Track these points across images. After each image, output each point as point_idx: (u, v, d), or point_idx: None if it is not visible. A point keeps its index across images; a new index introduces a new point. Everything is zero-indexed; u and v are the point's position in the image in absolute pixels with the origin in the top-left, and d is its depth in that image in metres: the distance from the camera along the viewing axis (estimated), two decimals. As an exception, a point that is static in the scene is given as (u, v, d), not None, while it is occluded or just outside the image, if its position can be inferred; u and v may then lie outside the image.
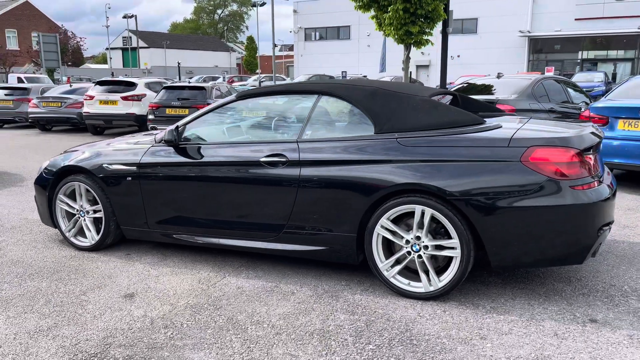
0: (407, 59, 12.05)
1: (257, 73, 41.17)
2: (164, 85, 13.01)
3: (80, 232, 4.47)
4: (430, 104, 3.49)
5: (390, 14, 10.99)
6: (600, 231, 3.11)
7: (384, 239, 3.38)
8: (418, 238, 3.28)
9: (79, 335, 2.94)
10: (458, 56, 35.69)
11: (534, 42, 34.80)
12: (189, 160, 3.90)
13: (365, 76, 32.88)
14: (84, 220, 4.40)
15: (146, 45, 58.71)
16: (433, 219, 3.22)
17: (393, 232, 3.34)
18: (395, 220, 3.35)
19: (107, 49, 59.82)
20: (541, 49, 35.24)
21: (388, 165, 3.31)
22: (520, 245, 3.12)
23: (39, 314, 3.22)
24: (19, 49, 50.49)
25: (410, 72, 26.09)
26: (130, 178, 4.11)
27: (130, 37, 57.94)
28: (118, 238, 4.42)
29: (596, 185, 3.16)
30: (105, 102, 13.54)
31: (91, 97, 13.67)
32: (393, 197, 3.30)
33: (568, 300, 3.26)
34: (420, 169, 3.22)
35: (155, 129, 9.95)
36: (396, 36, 11.42)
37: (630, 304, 3.18)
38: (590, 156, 3.27)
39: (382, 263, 3.39)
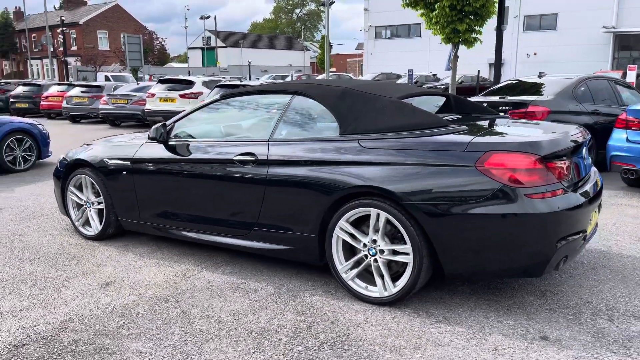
0: (454, 58, 11.66)
1: (332, 71, 41.46)
2: (217, 83, 13.46)
3: (87, 222, 4.78)
4: (395, 106, 3.41)
5: (436, 11, 10.69)
6: (561, 243, 2.90)
7: (345, 241, 3.35)
8: (375, 242, 3.22)
9: (42, 318, 3.16)
10: (535, 54, 34.01)
11: (619, 38, 32.42)
12: (174, 157, 4.05)
13: (435, 74, 32.16)
14: (90, 210, 4.70)
15: (224, 45, 60.83)
16: (390, 222, 3.15)
17: (352, 235, 3.31)
18: (356, 223, 3.32)
19: (188, 48, 62.61)
20: (628, 45, 32.79)
21: (348, 167, 3.27)
22: (473, 254, 2.99)
23: (20, 296, 3.49)
24: (109, 49, 54.09)
25: (479, 71, 25.23)
26: (125, 172, 4.34)
27: (210, 37, 60.31)
28: (120, 229, 4.67)
29: (561, 193, 2.95)
30: (165, 100, 14.25)
31: (152, 95, 14.44)
32: (351, 200, 3.26)
33: (529, 315, 3.07)
34: (377, 172, 3.16)
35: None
36: (443, 35, 11.10)
37: (596, 324, 2.95)
38: (563, 162, 3.06)
39: (341, 265, 3.36)
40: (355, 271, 3.32)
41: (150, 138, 4.15)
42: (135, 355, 2.72)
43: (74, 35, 55.64)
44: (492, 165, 2.91)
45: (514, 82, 8.54)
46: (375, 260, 3.24)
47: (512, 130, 3.46)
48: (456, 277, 3.14)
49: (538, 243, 2.88)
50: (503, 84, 8.62)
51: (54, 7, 66.75)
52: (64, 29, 32.15)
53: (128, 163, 4.32)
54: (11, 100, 21.09)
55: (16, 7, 62.24)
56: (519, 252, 2.92)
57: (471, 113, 4.25)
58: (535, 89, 7.68)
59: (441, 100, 4.38)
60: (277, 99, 3.86)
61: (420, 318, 3.06)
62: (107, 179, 4.46)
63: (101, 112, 15.99)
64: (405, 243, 3.10)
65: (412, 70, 27.04)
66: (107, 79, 35.99)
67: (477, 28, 11.10)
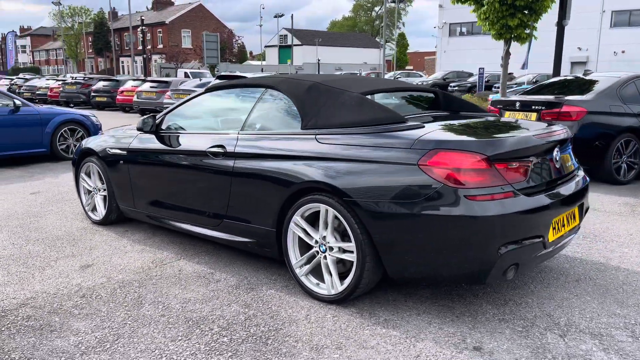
0: (506, 55, 11.08)
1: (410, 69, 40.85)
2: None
3: (95, 207, 5.06)
4: (355, 101, 3.32)
5: (485, 7, 10.20)
6: (505, 249, 2.71)
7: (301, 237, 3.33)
8: (325, 238, 3.17)
9: (13, 294, 3.39)
10: (622, 52, 31.67)
11: None
12: (160, 147, 4.19)
13: (510, 73, 30.83)
14: (97, 197, 4.98)
15: (299, 43, 61.71)
16: (339, 220, 3.09)
17: (305, 231, 3.27)
18: (312, 219, 3.28)
19: (265, 46, 64.10)
20: None
21: (303, 161, 3.24)
22: (414, 257, 2.86)
23: (6, 272, 3.77)
24: (191, 47, 56.56)
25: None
26: (122, 162, 4.55)
27: (286, 36, 61.41)
28: (123, 216, 4.90)
29: (510, 196, 2.75)
30: (221, 95, 14.71)
31: (210, 91, 14.95)
32: (305, 195, 3.23)
33: (476, 324, 2.89)
34: (327, 167, 3.11)
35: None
36: (493, 31, 10.58)
37: (543, 339, 2.73)
38: (518, 163, 2.86)
39: (296, 260, 3.34)
40: (307, 267, 3.29)
41: (137, 129, 4.32)
42: (73, 334, 2.85)
43: (161, 34, 58.73)
44: (434, 164, 2.77)
45: (559, 80, 8.02)
46: (325, 257, 3.18)
47: (474, 129, 3.27)
48: (400, 280, 3.02)
49: (478, 248, 2.71)
50: (547, 82, 8.12)
51: (147, 8, 70.73)
52: (143, 28, 34.06)
53: (125, 153, 4.52)
54: (92, 94, 22.72)
55: (112, 8, 66.57)
56: (460, 257, 2.76)
57: (460, 110, 4.06)
58: (577, 87, 7.17)
59: (429, 96, 4.22)
60: (252, 93, 3.89)
61: (361, 319, 2.98)
62: (109, 167, 4.70)
63: (164, 106, 16.79)
64: (351, 241, 3.03)
65: (483, 69, 26.12)
66: (186, 75, 37.67)
67: (530, 23, 10.46)
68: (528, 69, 24.60)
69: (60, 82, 24.44)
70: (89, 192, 5.09)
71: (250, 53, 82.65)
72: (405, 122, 3.14)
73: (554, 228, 3.01)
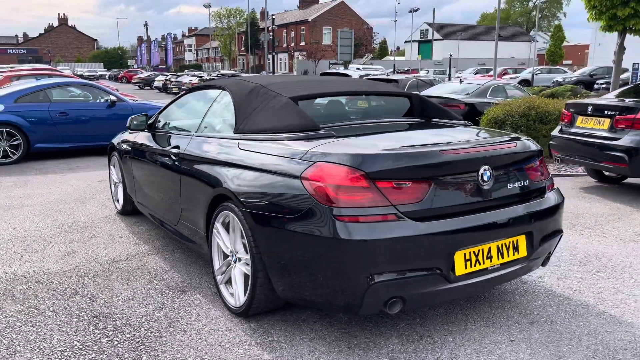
0: (619, 49, 9.51)
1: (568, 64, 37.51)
2: (361, 77, 13.50)
3: (118, 198, 5.45)
4: (279, 106, 3.13)
5: (592, -6, 8.84)
6: (379, 278, 2.35)
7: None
8: (236, 247, 3.06)
9: (-11, 272, 3.81)
10: None
11: None
12: (148, 145, 4.36)
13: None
14: (119, 187, 5.36)
15: (440, 38, 59.83)
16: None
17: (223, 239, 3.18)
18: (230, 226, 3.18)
19: (405, 41, 63.28)
20: None
21: (225, 168, 3.14)
22: (295, 277, 2.62)
23: (5, 253, 4.23)
24: (331, 44, 57.94)
25: None
26: (128, 156, 4.83)
27: (427, 30, 59.95)
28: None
29: (392, 219, 2.39)
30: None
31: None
32: (222, 202, 3.14)
33: (378, 339, 2.57)
34: (237, 176, 2.98)
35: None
36: (603, 22, 9.14)
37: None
38: (419, 182, 2.47)
39: (218, 266, 3.27)
40: (223, 276, 3.20)
41: (126, 127, 4.54)
42: (-5, 315, 3.12)
43: (304, 32, 61.07)
44: (312, 178, 2.51)
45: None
46: (235, 268, 3.07)
47: (387, 140, 2.85)
48: (288, 299, 2.78)
49: (346, 275, 2.40)
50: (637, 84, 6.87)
51: (297, 6, 73.89)
52: (273, 26, 35.59)
53: (129, 148, 4.80)
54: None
55: (262, 9, 70.74)
56: (333, 283, 2.47)
57: (434, 116, 3.62)
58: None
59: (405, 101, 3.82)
60: (212, 95, 3.87)
61: (247, 336, 2.82)
62: (121, 160, 5.03)
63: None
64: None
65: (638, 64, 22.93)
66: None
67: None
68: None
69: (198, 79, 26.63)
70: (115, 183, 5.50)
71: (398, 48, 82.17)
72: (317, 130, 2.89)
73: (467, 260, 2.55)
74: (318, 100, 3.76)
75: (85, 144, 9.16)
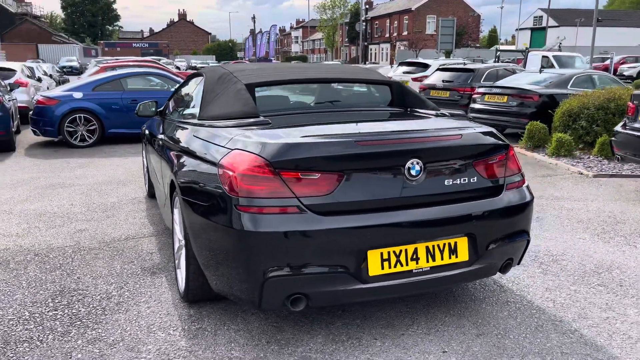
0: None
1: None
2: (440, 67, 12.92)
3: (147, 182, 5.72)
4: (232, 93, 3.07)
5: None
6: (276, 272, 2.23)
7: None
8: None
9: (3, 240, 4.16)
10: None
11: None
12: (151, 131, 4.53)
13: None
14: (145, 172, 5.63)
15: (556, 25, 55.53)
16: (187, 216, 2.96)
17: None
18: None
19: (516, 29, 59.75)
20: None
21: (177, 154, 3.18)
22: (213, 268, 2.56)
23: (27, 225, 4.60)
24: (433, 33, 56.20)
25: None
26: (146, 141, 5.05)
27: (541, 17, 56.01)
28: (161, 191, 5.45)
29: (293, 211, 2.25)
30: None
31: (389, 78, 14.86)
32: (174, 188, 3.16)
33: (303, 336, 2.47)
34: (183, 162, 3.00)
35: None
36: None
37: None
38: (328, 174, 2.31)
39: (175, 252, 3.31)
40: (178, 261, 3.23)
41: (134, 113, 4.72)
42: (-20, 282, 3.41)
43: (406, 21, 59.84)
44: (226, 166, 2.43)
45: None
46: (182, 254, 3.09)
47: (316, 131, 2.65)
48: (218, 291, 2.70)
49: (243, 269, 2.30)
50: None
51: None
52: (371, 16, 35.09)
53: (149, 134, 5.00)
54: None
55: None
56: (235, 276, 2.39)
57: (413, 106, 3.36)
58: None
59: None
60: (197, 81, 3.90)
61: (181, 322, 2.83)
62: (145, 147, 5.26)
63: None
64: (189, 240, 2.88)
65: None
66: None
67: None
68: None
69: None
70: (144, 167, 5.78)
71: (513, 37, 77.74)
72: (256, 117, 2.81)
73: (384, 260, 2.34)
74: (291, 88, 3.65)
75: (153, 130, 9.73)
